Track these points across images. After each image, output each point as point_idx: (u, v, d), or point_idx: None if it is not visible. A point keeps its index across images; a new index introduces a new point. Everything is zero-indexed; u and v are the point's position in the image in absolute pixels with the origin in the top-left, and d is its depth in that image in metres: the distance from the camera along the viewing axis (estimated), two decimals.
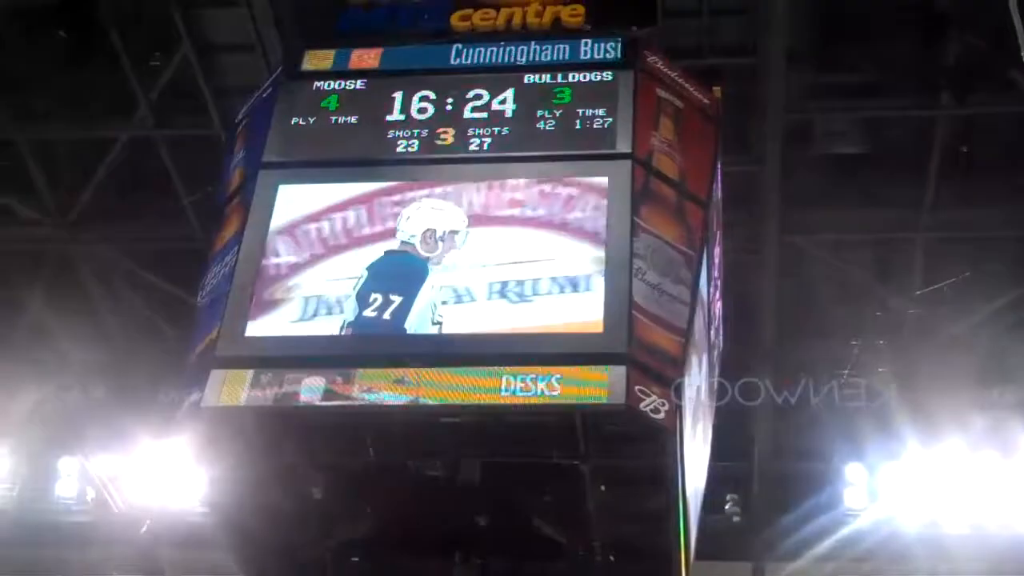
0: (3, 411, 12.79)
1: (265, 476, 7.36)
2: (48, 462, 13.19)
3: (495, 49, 7.91)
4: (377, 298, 6.93)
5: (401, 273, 7.05)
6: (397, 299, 6.91)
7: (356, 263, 7.10)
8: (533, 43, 7.92)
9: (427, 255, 7.09)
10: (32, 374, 12.81)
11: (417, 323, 6.84)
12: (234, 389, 6.66)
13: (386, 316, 6.87)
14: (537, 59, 7.81)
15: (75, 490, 13.15)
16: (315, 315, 6.93)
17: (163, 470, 12.42)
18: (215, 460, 7.36)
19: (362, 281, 7.02)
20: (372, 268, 7.08)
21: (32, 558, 13.97)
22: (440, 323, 6.83)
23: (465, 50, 7.93)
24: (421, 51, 8.04)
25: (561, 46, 7.88)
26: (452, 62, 7.89)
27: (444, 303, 6.87)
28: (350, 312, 6.92)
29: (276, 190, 7.40)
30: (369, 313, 6.89)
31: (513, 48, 7.90)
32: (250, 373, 6.69)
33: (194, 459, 7.68)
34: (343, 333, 6.85)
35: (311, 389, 6.59)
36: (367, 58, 8.04)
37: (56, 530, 13.36)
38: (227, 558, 8.61)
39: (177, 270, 11.79)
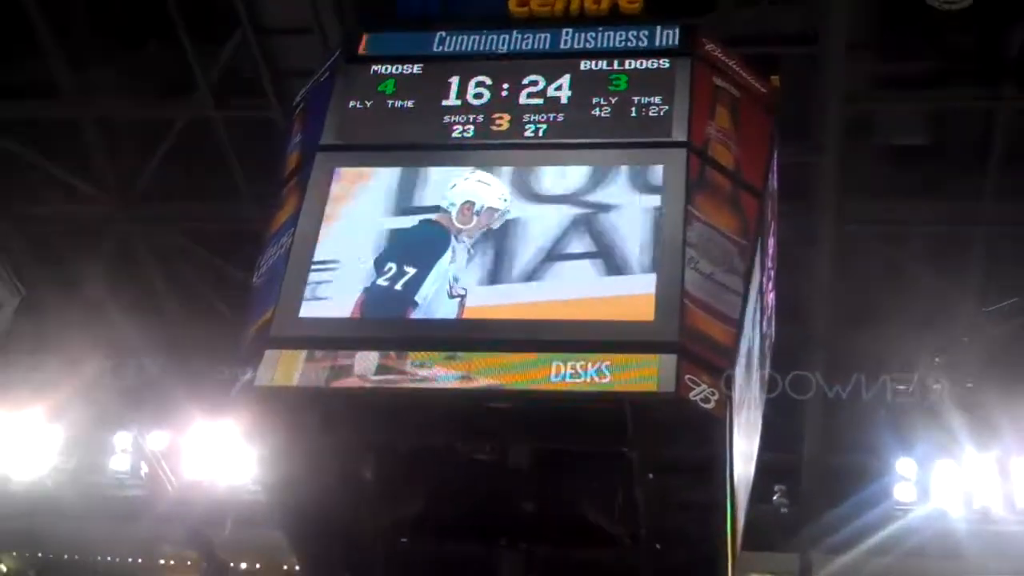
0: (61, 385, 12.96)
1: (317, 455, 7.42)
2: (103, 436, 13.33)
3: (550, 35, 7.91)
4: (392, 267, 6.98)
5: (421, 244, 7.09)
6: (411, 271, 6.95)
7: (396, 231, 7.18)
8: (590, 29, 7.90)
9: (460, 226, 7.10)
10: (90, 349, 12.96)
11: (433, 295, 6.87)
12: (288, 369, 6.74)
13: (398, 287, 6.91)
14: (594, 46, 7.80)
15: (129, 465, 13.28)
16: (360, 292, 6.96)
17: (216, 447, 12.54)
18: (268, 438, 7.44)
19: (383, 248, 7.07)
20: (399, 235, 7.13)
21: (86, 531, 14.18)
22: (461, 296, 6.85)
23: (448, 38, 7.94)
24: (404, 38, 8.07)
25: (618, 33, 7.86)
26: (435, 49, 7.91)
27: (469, 278, 6.89)
28: (368, 279, 6.97)
29: (332, 173, 7.45)
30: (382, 282, 6.94)
31: (569, 34, 7.90)
32: (303, 353, 6.75)
33: (247, 437, 7.78)
34: (359, 300, 6.89)
35: (364, 363, 6.65)
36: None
37: (110, 504, 13.52)
38: (278, 537, 8.70)
39: (233, 249, 11.89)
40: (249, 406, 7.00)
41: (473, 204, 7.18)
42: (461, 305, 6.84)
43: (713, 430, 6.61)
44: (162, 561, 15.13)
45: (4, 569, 15.33)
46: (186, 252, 12.53)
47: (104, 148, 11.78)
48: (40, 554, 15.20)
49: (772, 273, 8.59)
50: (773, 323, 9.07)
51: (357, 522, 8.03)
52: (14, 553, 15.30)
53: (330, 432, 7.15)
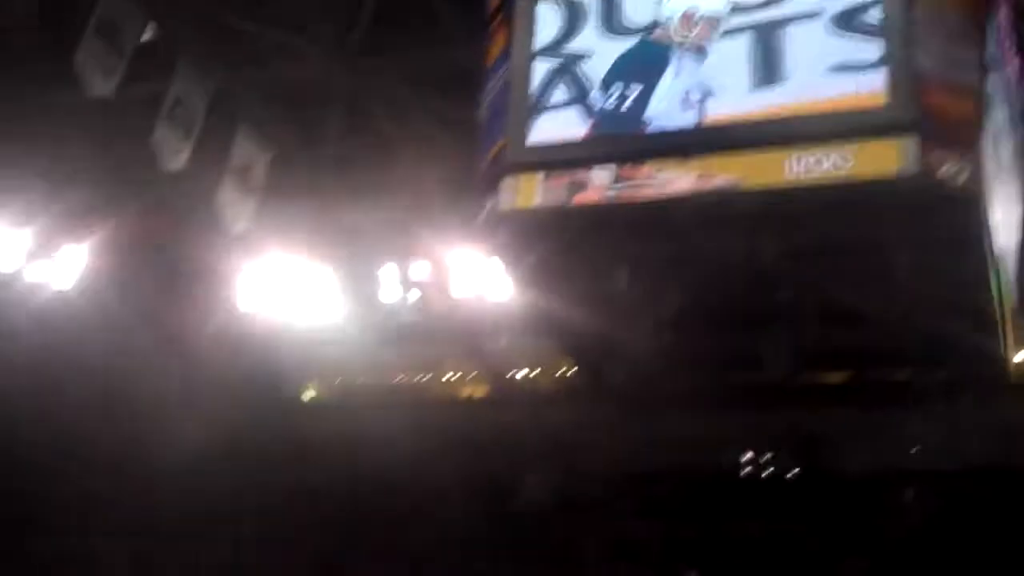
0: (321, 231, 13.61)
1: (569, 271, 7.63)
2: (370, 271, 14.00)
3: None
4: (617, 88, 6.91)
5: (643, 62, 6.95)
6: (637, 89, 6.85)
7: (616, 54, 7.07)
8: None
9: (684, 36, 6.95)
10: (342, 200, 13.49)
11: (664, 110, 6.77)
12: (528, 191, 6.90)
13: (626, 107, 6.85)
14: None
15: (400, 294, 13.93)
16: (588, 113, 6.97)
17: (477, 271, 12.97)
18: (520, 260, 7.70)
19: (607, 70, 6.99)
20: (621, 56, 7.02)
21: (373, 357, 15.14)
22: (695, 104, 6.73)
23: None
24: None
25: None
26: None
27: (698, 88, 6.75)
28: (595, 102, 6.94)
29: (536, 3, 7.36)
30: (610, 104, 6.89)
31: None
32: (540, 174, 6.89)
33: (501, 261, 8.07)
34: (589, 124, 6.89)
35: (602, 177, 6.75)
36: None
37: (389, 332, 14.30)
38: (549, 345, 9.03)
39: (453, 90, 12.01)
40: (497, 231, 7.23)
41: (693, 14, 7.00)
42: (698, 114, 6.74)
43: (966, 205, 6.39)
44: (445, 378, 16.04)
45: (310, 396, 16.66)
46: (410, 100, 12.70)
47: (316, 8, 11.93)
48: (338, 380, 16.41)
49: (1011, 42, 8.05)
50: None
51: (618, 329, 8.25)
52: (315, 381, 16.58)
53: (578, 247, 7.32)
